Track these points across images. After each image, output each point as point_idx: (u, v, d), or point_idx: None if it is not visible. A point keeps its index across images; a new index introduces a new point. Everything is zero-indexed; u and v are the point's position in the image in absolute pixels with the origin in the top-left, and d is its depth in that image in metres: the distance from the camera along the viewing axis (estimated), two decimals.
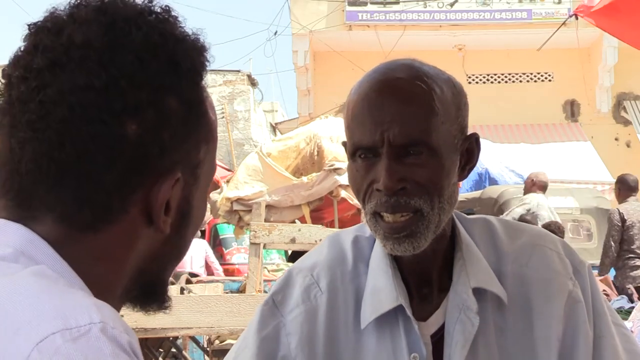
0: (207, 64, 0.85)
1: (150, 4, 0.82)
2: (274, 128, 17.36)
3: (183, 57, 0.81)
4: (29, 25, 0.80)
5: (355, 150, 1.22)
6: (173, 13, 0.83)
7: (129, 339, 0.68)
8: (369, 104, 1.20)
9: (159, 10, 0.82)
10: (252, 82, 15.83)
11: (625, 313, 5.19)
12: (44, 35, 0.78)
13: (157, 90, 0.78)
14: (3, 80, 0.79)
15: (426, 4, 13.24)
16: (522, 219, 6.62)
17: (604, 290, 6.80)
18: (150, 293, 0.86)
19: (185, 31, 0.83)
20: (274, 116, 19.06)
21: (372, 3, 13.28)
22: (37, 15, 0.82)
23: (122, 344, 0.67)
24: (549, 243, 1.32)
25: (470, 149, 1.27)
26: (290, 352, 1.26)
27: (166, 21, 0.82)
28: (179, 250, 0.87)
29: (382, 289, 1.25)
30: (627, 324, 4.08)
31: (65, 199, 0.76)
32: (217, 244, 10.93)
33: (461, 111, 1.25)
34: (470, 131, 1.29)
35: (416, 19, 13.23)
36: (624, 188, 6.92)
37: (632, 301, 6.10)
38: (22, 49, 0.79)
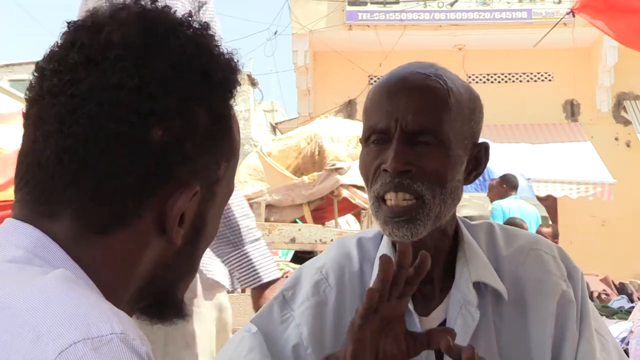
0: (238, 83, 0.85)
1: (190, 18, 0.83)
2: (274, 128, 17.36)
3: (216, 71, 0.81)
4: (68, 23, 0.81)
5: (369, 134, 1.27)
6: (210, 31, 0.84)
7: (147, 350, 0.70)
8: (387, 92, 1.27)
9: (197, 26, 0.83)
10: (252, 82, 15.83)
11: (625, 313, 5.19)
12: (83, 33, 0.78)
13: (187, 99, 0.78)
14: (35, 74, 0.79)
15: (426, 4, 13.23)
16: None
17: (604, 290, 6.81)
18: (161, 304, 0.87)
19: (220, 48, 0.84)
20: (274, 116, 19.07)
21: (372, 3, 13.27)
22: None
23: (141, 354, 0.68)
24: (545, 247, 1.37)
25: (479, 156, 1.32)
26: (302, 341, 1.30)
27: (203, 36, 0.82)
28: (190, 263, 0.87)
29: None
30: (627, 324, 4.08)
31: (83, 196, 0.76)
32: None
33: (475, 116, 1.30)
34: None
35: (416, 18, 13.22)
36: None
37: (632, 301, 6.10)
38: (58, 44, 0.80)
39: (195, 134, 0.79)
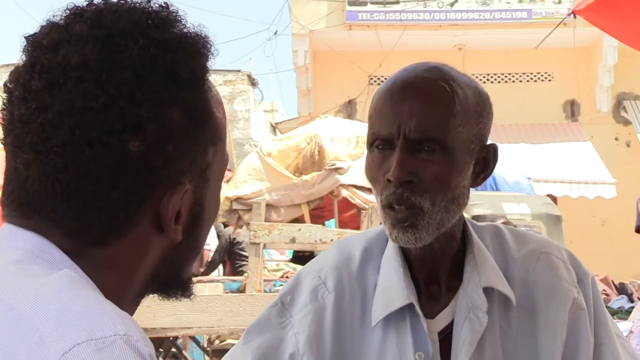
0: (209, 64, 0.83)
1: (148, 5, 0.81)
2: (274, 128, 17.35)
3: (183, 66, 0.79)
4: (26, 37, 0.79)
5: (373, 140, 1.26)
6: (172, 9, 0.81)
7: (150, 351, 0.70)
8: (391, 98, 1.25)
9: (157, 9, 0.81)
10: (252, 82, 15.81)
11: (625, 313, 5.19)
12: (41, 52, 0.77)
13: (157, 105, 0.77)
14: (4, 95, 0.79)
15: (426, 4, 13.23)
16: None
17: (603, 290, 6.81)
18: (167, 287, 0.86)
19: (184, 32, 0.81)
20: (274, 116, 19.05)
21: (372, 3, 13.26)
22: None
23: (144, 356, 0.68)
24: (555, 251, 1.35)
25: (487, 158, 1.31)
26: (299, 349, 1.29)
27: (164, 23, 0.80)
28: (193, 249, 0.87)
29: (393, 288, 1.28)
30: (627, 324, 4.08)
31: (72, 217, 0.76)
32: None
33: (482, 119, 1.29)
34: None
35: (416, 19, 13.21)
36: None
37: (632, 301, 6.11)
38: (21, 66, 0.79)
39: (172, 135, 0.78)
